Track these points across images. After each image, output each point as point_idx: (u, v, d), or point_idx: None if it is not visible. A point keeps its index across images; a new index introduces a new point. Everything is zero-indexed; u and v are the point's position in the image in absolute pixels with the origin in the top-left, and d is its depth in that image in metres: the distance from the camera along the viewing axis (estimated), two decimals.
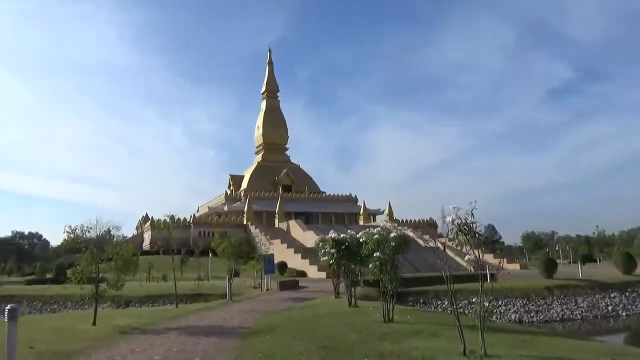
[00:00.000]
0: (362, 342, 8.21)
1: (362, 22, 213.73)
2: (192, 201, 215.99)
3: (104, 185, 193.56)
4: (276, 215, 70.45)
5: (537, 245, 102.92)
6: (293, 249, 48.80)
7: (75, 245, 13.45)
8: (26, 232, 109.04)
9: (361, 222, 73.30)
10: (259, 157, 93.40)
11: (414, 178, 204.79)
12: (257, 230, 61.42)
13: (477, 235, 6.49)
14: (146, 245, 68.69)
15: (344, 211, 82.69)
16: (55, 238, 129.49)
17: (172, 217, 20.78)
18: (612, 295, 28.92)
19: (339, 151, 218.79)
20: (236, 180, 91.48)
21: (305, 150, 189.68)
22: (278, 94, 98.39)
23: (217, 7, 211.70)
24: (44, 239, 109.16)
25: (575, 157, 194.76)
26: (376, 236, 10.21)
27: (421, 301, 27.16)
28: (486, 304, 6.58)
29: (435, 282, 30.97)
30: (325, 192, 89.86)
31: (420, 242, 49.73)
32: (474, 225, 6.55)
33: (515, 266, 47.61)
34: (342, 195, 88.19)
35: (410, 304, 25.78)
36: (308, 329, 10.55)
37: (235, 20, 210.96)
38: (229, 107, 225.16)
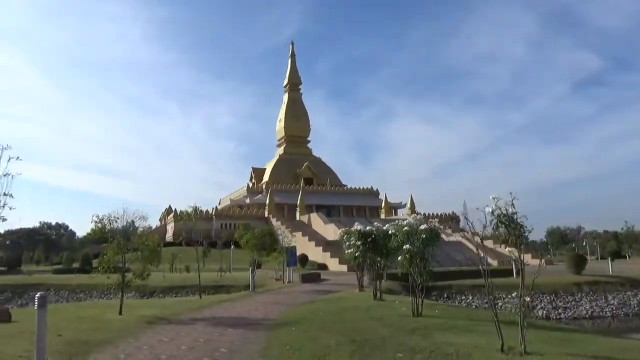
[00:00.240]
0: (392, 337, 7.97)
1: (384, 13, 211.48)
2: (213, 194, 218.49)
3: (127, 178, 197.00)
4: (297, 208, 70.49)
5: (562, 241, 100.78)
6: (314, 242, 48.73)
7: (102, 235, 13.53)
8: (53, 223, 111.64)
9: (383, 216, 72.80)
10: (280, 150, 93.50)
11: (436, 172, 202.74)
12: (279, 222, 61.53)
13: (519, 226, 6.16)
14: (169, 236, 69.59)
15: (366, 204, 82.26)
16: (81, 229, 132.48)
17: (195, 209, 20.81)
18: None
19: (360, 144, 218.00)
20: (258, 173, 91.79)
21: (327, 143, 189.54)
22: (300, 87, 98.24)
23: (238, 3, 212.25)
24: (70, 230, 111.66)
25: (602, 150, 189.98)
26: (406, 228, 9.93)
27: (445, 296, 26.71)
28: (527, 299, 6.27)
29: (458, 276, 30.53)
30: (346, 186, 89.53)
31: (444, 236, 49.12)
32: (515, 216, 6.22)
33: (541, 262, 46.61)
34: (363, 188, 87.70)
35: (433, 298, 25.38)
36: (335, 322, 10.37)
37: (255, 14, 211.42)
38: (250, 101, 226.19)
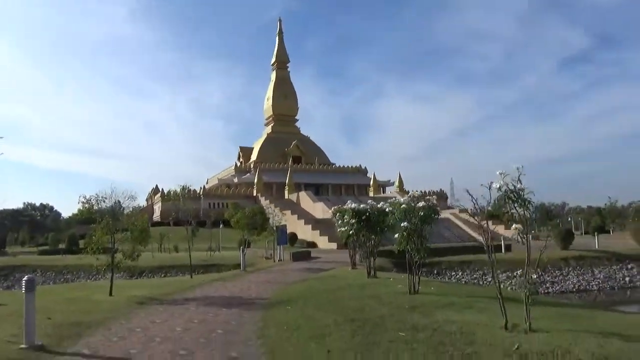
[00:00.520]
0: (392, 315, 7.84)
1: None
2: (201, 173, 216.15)
3: (113, 157, 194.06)
4: (286, 187, 70.25)
5: (547, 217, 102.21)
6: (303, 220, 48.72)
7: (90, 215, 13.17)
8: (37, 204, 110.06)
9: (371, 194, 73.02)
10: (268, 129, 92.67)
11: (425, 150, 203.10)
12: (267, 201, 61.30)
13: (526, 202, 5.98)
14: (156, 216, 69.12)
15: (354, 183, 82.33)
16: (67, 210, 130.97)
17: (184, 188, 20.44)
18: (630, 266, 28.51)
19: (349, 123, 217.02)
20: (246, 152, 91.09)
21: (315, 121, 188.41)
22: (288, 65, 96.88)
23: None
24: (56, 211, 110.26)
25: (587, 127, 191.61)
26: (403, 205, 9.75)
27: (435, 272, 26.91)
28: (534, 275, 6.13)
29: (448, 253, 30.81)
30: (335, 164, 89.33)
31: None
32: (522, 192, 6.04)
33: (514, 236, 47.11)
34: (352, 166, 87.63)
35: (424, 274, 25.51)
36: (331, 301, 10.24)
37: None
38: (238, 80, 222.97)
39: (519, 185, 5.99)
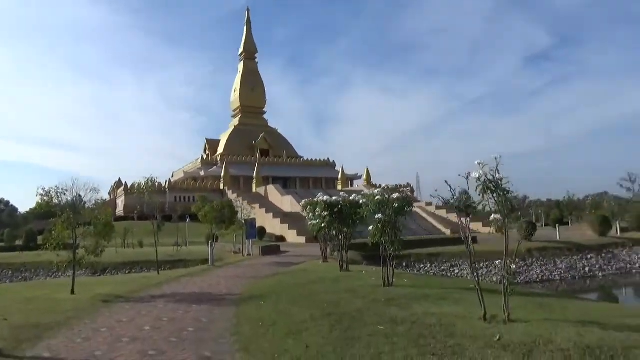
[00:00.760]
0: (369, 309, 7.72)
1: None
2: (166, 166, 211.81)
3: (74, 150, 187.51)
4: (254, 180, 69.50)
5: (510, 209, 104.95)
6: (272, 214, 48.31)
7: (49, 209, 12.50)
8: None
9: (339, 187, 73.12)
10: (235, 121, 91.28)
11: (391, 143, 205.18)
12: (235, 195, 60.51)
13: (505, 192, 5.93)
14: (120, 210, 67.16)
15: (322, 176, 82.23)
16: (24, 204, 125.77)
17: (150, 180, 19.77)
18: (589, 256, 29.58)
19: (317, 116, 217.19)
20: (212, 144, 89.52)
21: (283, 114, 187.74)
22: (256, 56, 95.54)
23: None
24: (12, 205, 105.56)
25: (549, 123, 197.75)
26: (378, 197, 9.64)
27: (404, 264, 27.12)
28: (513, 266, 6.11)
29: (416, 245, 31.15)
30: (303, 157, 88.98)
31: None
32: (501, 182, 5.99)
33: (491, 229, 48.27)
34: (320, 160, 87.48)
35: (394, 267, 25.72)
36: (305, 296, 10.05)
37: None
38: (206, 69, 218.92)
39: (497, 175, 5.93)
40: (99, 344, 6.71)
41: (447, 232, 48.39)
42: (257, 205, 50.95)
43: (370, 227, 9.88)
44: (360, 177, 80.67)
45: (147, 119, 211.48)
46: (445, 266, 28.24)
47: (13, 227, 63.50)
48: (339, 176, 78.54)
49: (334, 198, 14.01)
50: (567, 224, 66.73)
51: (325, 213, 13.66)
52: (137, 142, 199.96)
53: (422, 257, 29.05)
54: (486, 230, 45.70)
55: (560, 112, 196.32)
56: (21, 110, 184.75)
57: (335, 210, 13.62)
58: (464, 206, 7.70)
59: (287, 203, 54.04)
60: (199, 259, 26.11)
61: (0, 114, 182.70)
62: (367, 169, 77.93)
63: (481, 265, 26.92)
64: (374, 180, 75.82)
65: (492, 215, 6.24)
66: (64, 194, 12.06)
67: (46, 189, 12.07)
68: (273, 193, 60.61)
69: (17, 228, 59.94)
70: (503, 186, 6.02)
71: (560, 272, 27.46)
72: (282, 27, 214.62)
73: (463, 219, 6.89)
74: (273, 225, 45.51)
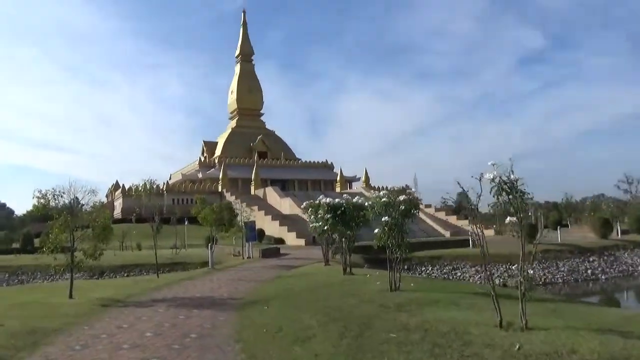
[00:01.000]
0: (378, 315, 7.47)
1: None
2: (163, 169, 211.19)
3: (70, 152, 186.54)
4: (252, 182, 69.21)
5: (507, 212, 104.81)
6: (270, 216, 48.08)
7: (46, 212, 12.23)
8: None
9: (338, 189, 72.91)
10: (233, 123, 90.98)
11: (388, 145, 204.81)
12: (233, 197, 60.20)
13: (521, 193, 5.71)
14: (117, 213, 66.73)
15: (320, 178, 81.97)
16: (20, 207, 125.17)
17: (150, 182, 19.51)
18: (591, 259, 29.38)
19: (313, 118, 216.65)
20: (210, 146, 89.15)
21: (280, 116, 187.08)
22: (253, 58, 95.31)
23: None
24: (8, 208, 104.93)
25: (544, 125, 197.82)
26: (384, 199, 9.40)
27: (406, 267, 26.86)
28: (530, 271, 5.88)
29: (416, 248, 30.93)
30: (300, 159, 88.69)
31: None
32: (516, 183, 5.76)
33: (490, 232, 48.07)
34: (318, 162, 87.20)
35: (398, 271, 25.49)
36: (309, 300, 9.81)
37: None
38: (200, 72, 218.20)
39: (512, 176, 5.71)
40: (99, 351, 6.46)
41: (447, 234, 48.22)
42: (255, 208, 50.69)
43: (376, 230, 9.64)
44: (358, 179, 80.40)
45: (141, 120, 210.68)
46: (447, 269, 28.03)
47: (10, 229, 63.01)
48: (338, 178, 78.28)
49: (337, 200, 13.77)
50: (567, 226, 66.68)
51: (328, 215, 13.42)
52: (132, 144, 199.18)
53: (423, 260, 28.84)
54: (488, 232, 45.61)
55: (556, 114, 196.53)
56: (14, 111, 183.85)
57: (339, 212, 13.37)
58: (470, 208, 7.50)
59: (286, 205, 53.81)
60: (198, 261, 25.83)
61: None
62: (366, 170, 77.67)
63: (482, 268, 26.73)
64: (372, 183, 75.61)
65: (508, 218, 6.01)
66: (61, 197, 11.80)
67: (43, 192, 11.82)
68: (272, 195, 60.37)
69: (13, 231, 59.44)
70: (518, 187, 5.79)
71: (563, 274, 27.25)
72: (276, 30, 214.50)
73: (475, 227, 6.66)
74: (272, 228, 45.28)
